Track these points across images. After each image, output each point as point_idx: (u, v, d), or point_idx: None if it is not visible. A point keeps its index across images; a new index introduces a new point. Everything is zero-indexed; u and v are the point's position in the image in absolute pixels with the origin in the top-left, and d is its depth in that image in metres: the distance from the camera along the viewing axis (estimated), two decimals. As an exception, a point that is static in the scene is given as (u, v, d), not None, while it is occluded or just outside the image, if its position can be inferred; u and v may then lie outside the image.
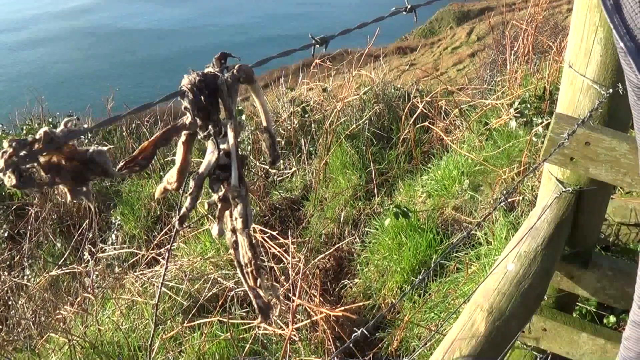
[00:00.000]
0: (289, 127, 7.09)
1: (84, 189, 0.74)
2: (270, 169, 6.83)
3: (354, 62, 7.59)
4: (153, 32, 43.39)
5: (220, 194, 0.94)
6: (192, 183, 0.91)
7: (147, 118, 8.81)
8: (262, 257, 4.68)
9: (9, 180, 0.66)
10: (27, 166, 0.68)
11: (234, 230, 0.96)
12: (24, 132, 8.68)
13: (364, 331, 1.61)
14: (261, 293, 0.98)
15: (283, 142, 7.06)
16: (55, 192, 7.40)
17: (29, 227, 7.07)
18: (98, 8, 48.18)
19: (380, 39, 7.16)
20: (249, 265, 0.95)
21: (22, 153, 0.67)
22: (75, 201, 0.74)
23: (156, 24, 45.13)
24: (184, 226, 5.82)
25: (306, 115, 7.19)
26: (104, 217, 7.22)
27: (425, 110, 6.57)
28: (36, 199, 7.38)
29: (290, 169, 6.88)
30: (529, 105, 5.52)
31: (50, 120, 9.20)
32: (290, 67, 11.91)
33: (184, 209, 0.90)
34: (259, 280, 0.96)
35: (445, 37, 30.82)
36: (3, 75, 36.38)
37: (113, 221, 7.14)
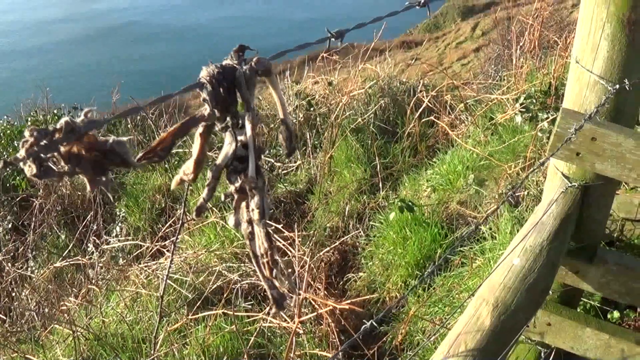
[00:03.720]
0: (294, 121, 7.08)
1: (104, 178, 0.75)
2: (275, 162, 6.84)
3: (360, 56, 7.58)
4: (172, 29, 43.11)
5: (237, 185, 0.94)
6: (209, 174, 0.91)
7: (151, 111, 8.79)
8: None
9: (30, 169, 0.67)
10: (48, 156, 0.68)
11: (250, 222, 0.96)
12: (29, 123, 8.70)
13: (374, 323, 1.61)
14: (276, 284, 0.98)
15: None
16: (60, 184, 7.41)
17: (34, 219, 7.08)
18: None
19: (385, 34, 7.14)
20: (264, 256, 0.95)
21: (43, 142, 0.67)
22: (94, 191, 0.74)
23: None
24: (195, 217, 5.84)
25: (311, 109, 7.19)
26: (108, 209, 7.23)
27: (430, 105, 6.57)
28: (40, 190, 7.39)
29: (295, 162, 6.89)
30: (534, 101, 5.51)
31: (55, 112, 9.21)
32: (294, 60, 11.87)
33: (201, 200, 0.90)
34: (274, 271, 0.97)
35: (450, 32, 30.77)
36: (10, 69, 36.31)
37: (117, 213, 7.15)
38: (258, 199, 0.92)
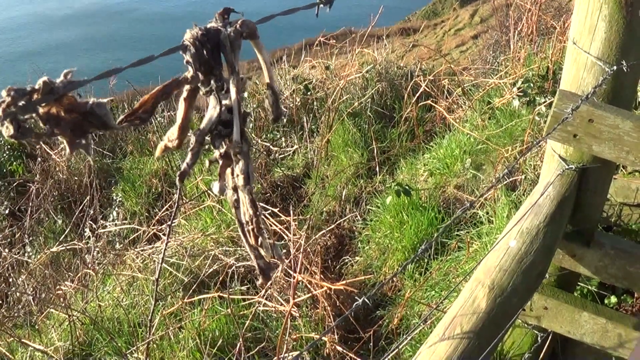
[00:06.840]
0: (291, 105, 7.06)
1: (83, 141, 0.73)
2: (272, 147, 6.82)
3: (357, 41, 7.55)
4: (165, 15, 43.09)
5: (222, 150, 0.93)
6: (193, 139, 0.89)
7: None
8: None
9: (7, 130, 0.65)
10: (26, 117, 0.67)
11: (235, 189, 0.94)
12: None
13: (366, 300, 1.60)
14: (262, 252, 0.97)
15: (285, 120, 7.05)
16: (57, 169, 7.41)
17: (30, 204, 7.08)
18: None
19: (383, 20, 7.12)
20: (249, 223, 0.94)
21: (21, 103, 0.66)
22: (74, 154, 0.72)
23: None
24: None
25: (308, 93, 7.17)
26: (105, 194, 7.23)
27: (428, 89, 6.55)
28: (37, 175, 7.38)
29: (292, 146, 6.87)
30: (532, 85, 5.50)
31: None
32: (292, 47, 11.85)
33: (184, 165, 0.89)
34: (260, 239, 0.95)
35: (449, 19, 30.74)
36: (4, 51, 36.34)
37: (114, 198, 7.15)
38: (243, 164, 0.90)
